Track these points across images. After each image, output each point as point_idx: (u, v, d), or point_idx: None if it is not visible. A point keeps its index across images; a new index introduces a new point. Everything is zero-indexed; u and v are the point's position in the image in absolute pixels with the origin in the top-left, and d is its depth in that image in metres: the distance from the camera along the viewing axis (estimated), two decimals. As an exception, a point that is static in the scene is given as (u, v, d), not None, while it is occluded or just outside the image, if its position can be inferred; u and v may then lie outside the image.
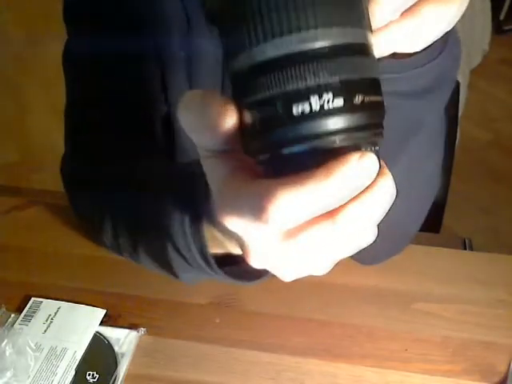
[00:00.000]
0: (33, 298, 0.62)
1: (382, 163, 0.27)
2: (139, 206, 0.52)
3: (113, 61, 0.57)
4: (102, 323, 0.60)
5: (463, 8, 0.28)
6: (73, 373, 0.56)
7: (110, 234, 0.55)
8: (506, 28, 2.42)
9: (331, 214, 0.25)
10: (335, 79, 0.23)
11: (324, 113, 0.23)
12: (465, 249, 0.91)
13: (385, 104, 0.26)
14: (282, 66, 0.23)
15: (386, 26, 0.28)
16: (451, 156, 0.85)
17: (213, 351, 0.58)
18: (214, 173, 0.28)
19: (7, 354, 0.55)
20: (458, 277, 0.64)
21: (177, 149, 0.59)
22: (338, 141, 0.24)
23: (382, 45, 0.28)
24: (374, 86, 0.25)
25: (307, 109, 0.23)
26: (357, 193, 0.25)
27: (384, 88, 0.26)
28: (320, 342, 0.59)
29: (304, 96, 0.23)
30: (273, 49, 0.23)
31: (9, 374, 0.55)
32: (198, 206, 0.43)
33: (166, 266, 0.50)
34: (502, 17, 2.41)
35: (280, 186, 0.24)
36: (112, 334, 0.59)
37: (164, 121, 0.58)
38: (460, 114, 0.84)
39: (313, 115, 0.23)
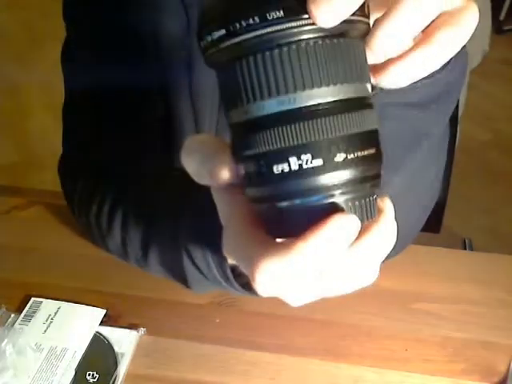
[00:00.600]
0: (33, 298, 0.62)
1: (383, 207, 0.28)
2: (151, 215, 0.52)
3: (112, 60, 0.57)
4: (102, 323, 0.60)
5: (475, 25, 0.27)
6: (73, 373, 0.56)
7: (119, 239, 0.54)
8: (506, 28, 2.42)
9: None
10: (314, 139, 0.24)
11: (302, 173, 0.24)
12: (465, 249, 0.91)
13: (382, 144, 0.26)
14: (264, 126, 0.24)
15: (402, 57, 0.27)
16: (451, 156, 0.85)
17: (213, 351, 0.58)
18: (220, 207, 0.30)
19: (7, 353, 0.55)
20: (458, 277, 0.64)
21: (177, 150, 0.59)
22: (320, 198, 0.25)
23: (399, 77, 0.27)
24: (365, 139, 0.25)
25: (286, 169, 0.24)
26: (340, 252, 0.25)
27: (390, 98, 0.26)
28: (320, 341, 0.59)
29: (283, 157, 0.24)
30: (257, 110, 0.25)
31: (9, 373, 0.55)
32: (216, 224, 0.42)
33: (180, 276, 0.50)
34: (501, 17, 2.41)
35: (264, 258, 0.25)
36: (112, 334, 0.59)
37: (163, 121, 0.58)
38: (460, 114, 0.84)
39: (292, 175, 0.24)
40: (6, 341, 0.56)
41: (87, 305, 0.62)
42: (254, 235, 0.27)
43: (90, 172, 0.59)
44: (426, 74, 0.28)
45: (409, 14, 0.25)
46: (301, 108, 0.24)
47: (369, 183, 0.26)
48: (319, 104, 0.24)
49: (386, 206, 0.28)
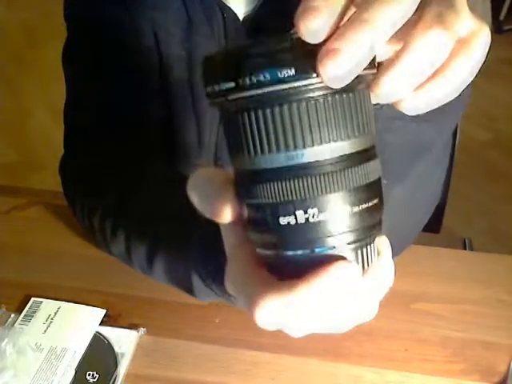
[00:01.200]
0: (33, 298, 0.62)
1: (380, 249, 0.28)
2: (156, 230, 0.52)
3: (112, 61, 0.57)
4: (102, 323, 0.60)
5: (486, 49, 0.26)
6: (73, 373, 0.56)
7: (123, 248, 0.54)
8: (506, 28, 2.42)
9: None
10: (321, 194, 0.24)
11: (308, 226, 0.25)
12: (465, 249, 0.91)
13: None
14: (271, 179, 0.25)
15: (414, 89, 0.26)
16: (451, 156, 0.85)
17: (213, 351, 0.58)
18: (225, 239, 0.30)
19: (7, 353, 0.55)
20: (457, 277, 0.64)
21: (178, 151, 0.59)
22: (324, 249, 0.25)
23: (411, 107, 0.27)
24: (369, 191, 0.26)
25: (293, 221, 0.25)
26: (339, 297, 0.26)
27: (395, 112, 0.26)
28: (320, 341, 0.59)
29: (290, 210, 0.25)
30: (264, 162, 0.25)
31: (9, 373, 0.55)
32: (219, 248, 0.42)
33: (186, 288, 0.50)
34: (501, 17, 2.41)
35: (264, 297, 0.25)
36: (112, 334, 0.59)
37: (164, 121, 0.58)
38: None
39: (298, 227, 0.25)
40: (6, 341, 0.56)
41: (87, 305, 0.62)
42: (255, 273, 0.27)
43: (91, 175, 0.59)
44: (440, 104, 0.27)
45: (417, 61, 0.24)
46: (309, 163, 0.24)
47: (371, 231, 0.26)
48: (327, 160, 0.24)
49: (383, 246, 0.28)
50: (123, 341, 0.58)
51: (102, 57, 0.58)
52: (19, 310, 0.61)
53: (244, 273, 0.28)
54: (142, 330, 0.59)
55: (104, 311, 0.61)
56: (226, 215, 0.27)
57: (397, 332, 0.59)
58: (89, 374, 0.55)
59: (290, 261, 0.26)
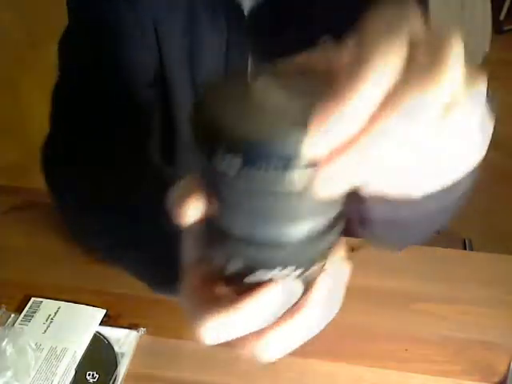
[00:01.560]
0: (33, 298, 0.62)
1: (315, 287, 0.31)
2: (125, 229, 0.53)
3: (111, 49, 0.57)
4: (101, 323, 0.60)
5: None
6: (73, 373, 0.56)
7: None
8: (506, 28, 2.42)
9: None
10: (282, 262, 0.27)
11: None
12: (465, 249, 0.91)
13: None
14: (238, 245, 0.27)
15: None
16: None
17: (213, 351, 0.58)
18: (185, 252, 0.32)
19: (7, 353, 0.55)
20: (457, 277, 0.64)
21: (178, 152, 0.59)
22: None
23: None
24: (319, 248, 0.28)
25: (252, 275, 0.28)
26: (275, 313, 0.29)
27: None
28: (320, 341, 0.58)
29: (253, 269, 0.27)
30: (233, 227, 0.26)
31: (9, 373, 0.55)
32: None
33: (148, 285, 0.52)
34: (502, 17, 2.41)
35: (207, 317, 0.30)
36: (112, 334, 0.59)
37: (163, 122, 0.58)
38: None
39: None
40: (6, 341, 0.56)
41: (87, 305, 0.62)
42: (204, 291, 0.30)
43: (91, 175, 0.58)
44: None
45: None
46: (277, 241, 0.26)
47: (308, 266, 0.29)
48: (293, 238, 0.26)
49: (317, 286, 0.31)
50: (123, 341, 0.58)
51: (102, 53, 0.57)
52: (19, 310, 0.61)
53: (194, 289, 0.30)
54: (142, 330, 0.59)
55: (104, 311, 0.61)
56: (186, 218, 0.28)
57: (397, 332, 0.59)
58: (89, 374, 0.55)
59: (243, 285, 0.28)
